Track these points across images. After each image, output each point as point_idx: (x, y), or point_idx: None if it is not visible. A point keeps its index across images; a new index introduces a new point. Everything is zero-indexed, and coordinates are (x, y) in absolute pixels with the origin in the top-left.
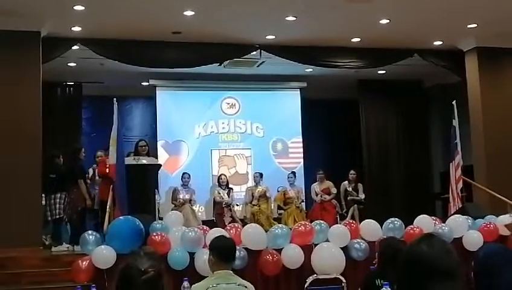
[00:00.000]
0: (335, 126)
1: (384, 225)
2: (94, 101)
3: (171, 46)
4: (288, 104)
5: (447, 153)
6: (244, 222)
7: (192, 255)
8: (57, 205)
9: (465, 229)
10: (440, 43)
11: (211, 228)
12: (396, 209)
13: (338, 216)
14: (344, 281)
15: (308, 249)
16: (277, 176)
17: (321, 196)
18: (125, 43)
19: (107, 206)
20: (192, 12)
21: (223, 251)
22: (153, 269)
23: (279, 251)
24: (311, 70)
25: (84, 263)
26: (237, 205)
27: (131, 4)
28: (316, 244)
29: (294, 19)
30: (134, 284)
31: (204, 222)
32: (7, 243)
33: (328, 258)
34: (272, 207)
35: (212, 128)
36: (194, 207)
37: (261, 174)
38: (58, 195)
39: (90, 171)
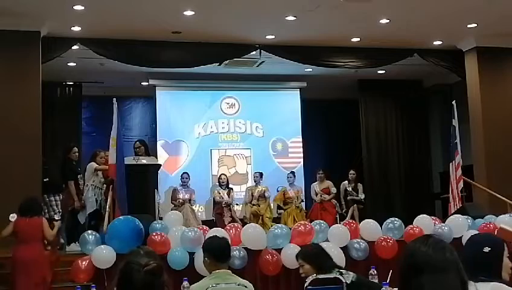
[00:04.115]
0: (335, 126)
1: (384, 225)
2: (94, 101)
3: (171, 46)
4: (288, 104)
5: (447, 153)
6: (244, 222)
7: (192, 255)
8: (59, 206)
9: (464, 229)
10: (440, 43)
11: (210, 228)
12: (396, 209)
13: (338, 216)
14: (344, 281)
15: None
16: (277, 175)
17: (321, 196)
18: (125, 43)
19: (107, 206)
20: (192, 12)
21: (217, 252)
22: (154, 262)
23: (279, 250)
24: (311, 70)
25: (84, 263)
26: (237, 204)
27: (131, 4)
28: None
29: (294, 18)
30: (136, 277)
31: (204, 222)
32: (7, 243)
33: None
34: (272, 207)
35: (211, 128)
36: (193, 207)
37: (261, 174)
38: (60, 196)
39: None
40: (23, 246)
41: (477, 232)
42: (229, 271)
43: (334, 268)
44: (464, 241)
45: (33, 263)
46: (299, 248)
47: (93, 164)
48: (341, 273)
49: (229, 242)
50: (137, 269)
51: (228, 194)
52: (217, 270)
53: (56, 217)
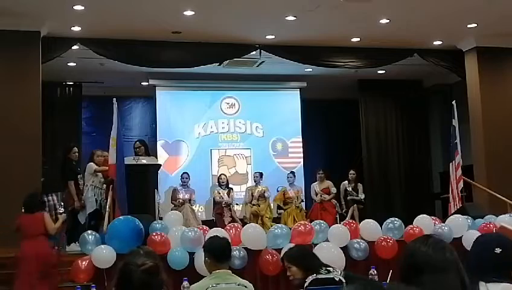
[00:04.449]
0: (335, 126)
1: (384, 225)
2: (94, 101)
3: (171, 46)
4: (288, 104)
5: (447, 153)
6: (243, 222)
7: (192, 255)
8: (55, 206)
9: (464, 229)
10: (440, 43)
11: (210, 228)
12: (396, 209)
13: (338, 216)
14: (344, 281)
15: None
16: (277, 175)
17: (321, 196)
18: (125, 43)
19: (107, 206)
20: (192, 12)
21: (218, 252)
22: (151, 262)
23: (279, 250)
24: (311, 70)
25: (84, 263)
26: (237, 204)
27: (131, 4)
28: (315, 244)
29: (294, 18)
30: (134, 276)
31: (204, 222)
32: (7, 243)
33: (328, 258)
34: (272, 207)
35: (211, 128)
36: (193, 207)
37: (261, 174)
38: (53, 196)
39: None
40: (26, 242)
41: (477, 232)
42: (229, 271)
43: (321, 267)
44: (464, 241)
45: (36, 258)
46: None
47: (93, 165)
48: (329, 272)
49: (229, 243)
50: (135, 269)
51: (228, 194)
52: (217, 271)
53: (60, 211)
